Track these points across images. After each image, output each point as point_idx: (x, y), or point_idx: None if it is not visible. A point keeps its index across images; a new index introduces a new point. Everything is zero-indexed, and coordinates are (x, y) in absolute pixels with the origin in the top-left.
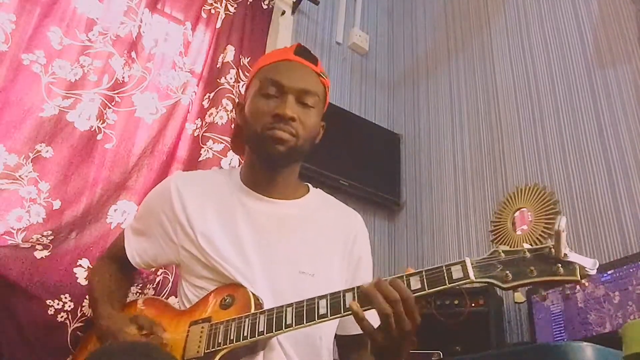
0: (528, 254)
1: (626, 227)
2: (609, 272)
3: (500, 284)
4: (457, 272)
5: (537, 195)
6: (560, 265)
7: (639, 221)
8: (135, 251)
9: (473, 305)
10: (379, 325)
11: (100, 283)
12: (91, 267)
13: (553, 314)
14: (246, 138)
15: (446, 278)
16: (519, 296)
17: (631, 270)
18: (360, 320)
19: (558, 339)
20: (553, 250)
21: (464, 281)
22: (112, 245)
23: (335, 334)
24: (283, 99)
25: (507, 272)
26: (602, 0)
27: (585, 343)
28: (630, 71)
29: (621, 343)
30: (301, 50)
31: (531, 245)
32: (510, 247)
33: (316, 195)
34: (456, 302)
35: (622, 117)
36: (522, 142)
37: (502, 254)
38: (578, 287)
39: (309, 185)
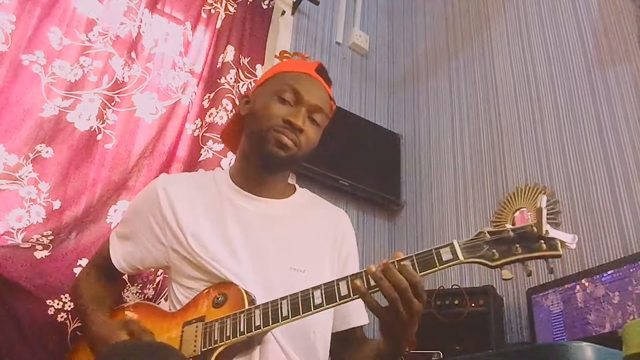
0: (512, 233)
1: (626, 227)
2: (609, 272)
3: (488, 262)
4: (446, 254)
5: (537, 195)
6: (542, 241)
7: (639, 221)
8: (121, 256)
9: (473, 305)
10: (386, 307)
11: (87, 291)
12: (75, 278)
13: (553, 314)
14: (247, 131)
15: (436, 260)
16: (507, 273)
17: (631, 270)
18: (364, 296)
19: (558, 339)
20: (535, 228)
21: (454, 262)
22: (95, 254)
23: None
24: (297, 108)
25: (494, 250)
26: (602, 0)
27: (585, 343)
28: (630, 71)
29: (621, 343)
30: (321, 70)
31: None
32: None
33: (303, 194)
34: (456, 302)
35: (622, 117)
36: (522, 142)
37: (488, 235)
38: (578, 287)
39: (296, 185)
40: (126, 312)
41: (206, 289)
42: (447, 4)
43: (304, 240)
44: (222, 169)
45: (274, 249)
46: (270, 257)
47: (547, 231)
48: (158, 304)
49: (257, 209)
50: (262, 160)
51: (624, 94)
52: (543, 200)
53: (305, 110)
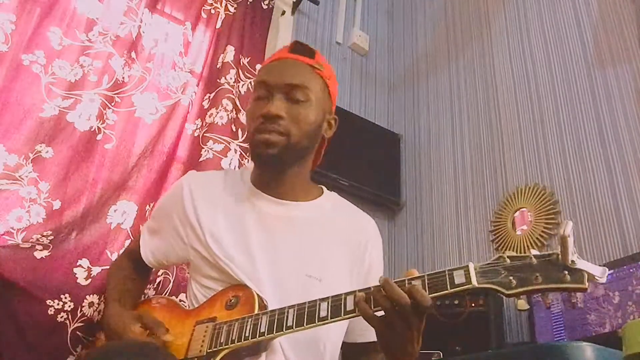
0: (534, 260)
1: (626, 227)
2: (609, 272)
3: (503, 290)
4: (459, 277)
5: (537, 195)
6: (567, 272)
7: (639, 221)
8: (149, 250)
9: (473, 305)
10: (382, 316)
11: (114, 281)
12: (110, 264)
13: (553, 313)
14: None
15: (448, 283)
16: (522, 303)
17: (631, 270)
18: (363, 310)
19: (558, 339)
20: (560, 257)
21: (466, 286)
22: (130, 243)
23: (342, 342)
24: (270, 98)
25: (511, 278)
26: (602, 0)
27: (585, 343)
28: (630, 71)
29: (621, 343)
30: (296, 46)
31: (537, 249)
32: (514, 249)
33: (329, 198)
34: (456, 302)
35: (622, 117)
36: (522, 142)
37: (507, 260)
38: None
39: (323, 187)
40: (147, 306)
41: (222, 289)
42: (447, 3)
43: (323, 247)
44: (236, 169)
45: (291, 254)
46: (286, 262)
47: (573, 261)
48: None
49: (278, 212)
50: (261, 164)
51: (624, 94)
52: (568, 227)
53: (281, 95)
